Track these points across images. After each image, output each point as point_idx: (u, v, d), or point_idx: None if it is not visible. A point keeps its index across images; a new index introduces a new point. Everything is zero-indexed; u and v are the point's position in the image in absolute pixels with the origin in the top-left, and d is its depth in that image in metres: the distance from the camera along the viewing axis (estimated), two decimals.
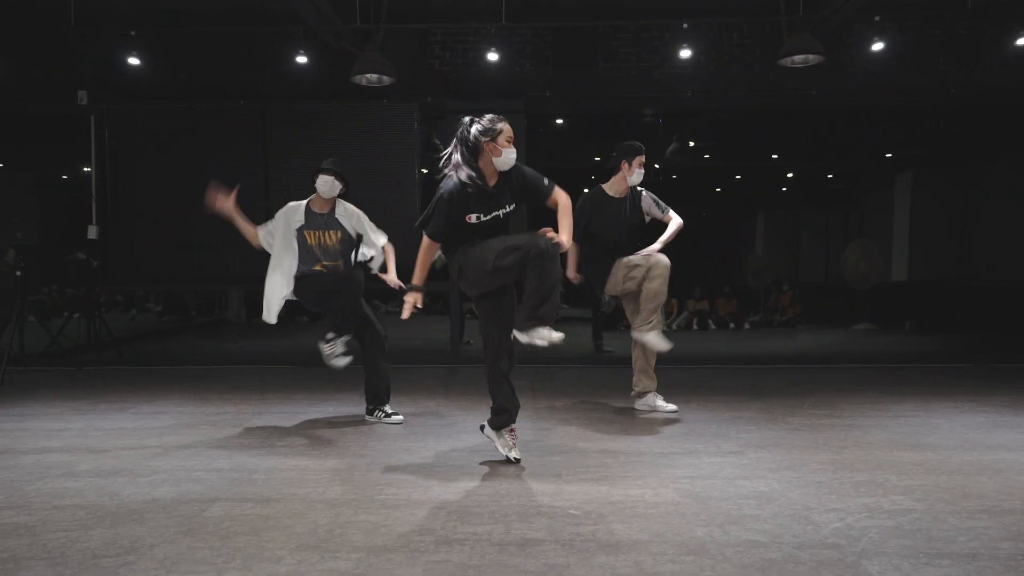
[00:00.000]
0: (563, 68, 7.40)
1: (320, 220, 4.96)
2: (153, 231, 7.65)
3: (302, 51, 7.00)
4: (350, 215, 5.04)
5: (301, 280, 4.90)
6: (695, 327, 12.98)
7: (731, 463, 3.94)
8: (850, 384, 6.41)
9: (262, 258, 7.73)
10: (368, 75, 6.49)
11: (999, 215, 12.20)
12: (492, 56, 7.17)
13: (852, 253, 12.67)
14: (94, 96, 7.38)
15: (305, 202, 5.01)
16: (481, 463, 3.95)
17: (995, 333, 10.64)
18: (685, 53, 7.17)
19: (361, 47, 6.71)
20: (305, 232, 4.93)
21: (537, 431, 4.71)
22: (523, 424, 4.57)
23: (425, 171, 7.94)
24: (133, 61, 7.02)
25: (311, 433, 4.72)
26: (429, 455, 4.15)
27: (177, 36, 7.11)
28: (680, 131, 11.32)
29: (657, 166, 13.34)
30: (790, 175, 15.23)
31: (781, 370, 7.41)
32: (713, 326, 13.06)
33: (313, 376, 6.73)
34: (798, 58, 6.26)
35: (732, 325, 13.14)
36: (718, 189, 17.88)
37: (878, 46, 6.97)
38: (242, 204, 7.73)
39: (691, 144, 12.03)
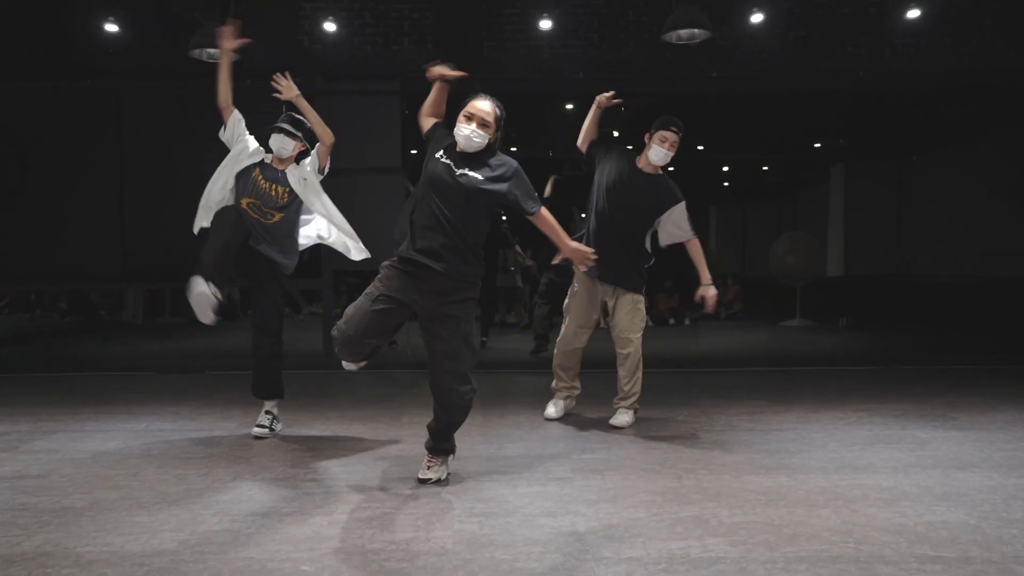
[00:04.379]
0: (443, 46, 6.76)
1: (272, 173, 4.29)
2: None
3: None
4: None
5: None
6: None
7: (550, 493, 3.37)
8: (742, 389, 5.92)
9: (122, 256, 7.13)
10: (210, 49, 5.80)
11: (932, 209, 11.86)
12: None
13: (780, 247, 12.18)
14: None
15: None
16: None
17: (931, 329, 10.26)
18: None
19: (208, 15, 6.00)
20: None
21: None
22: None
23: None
24: None
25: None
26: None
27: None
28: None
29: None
30: (725, 168, 14.69)
31: (676, 374, 6.91)
32: (650, 323, 12.45)
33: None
34: (683, 33, 5.70)
35: (672, 321, 12.51)
36: None
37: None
38: (93, 195, 7.11)
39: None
